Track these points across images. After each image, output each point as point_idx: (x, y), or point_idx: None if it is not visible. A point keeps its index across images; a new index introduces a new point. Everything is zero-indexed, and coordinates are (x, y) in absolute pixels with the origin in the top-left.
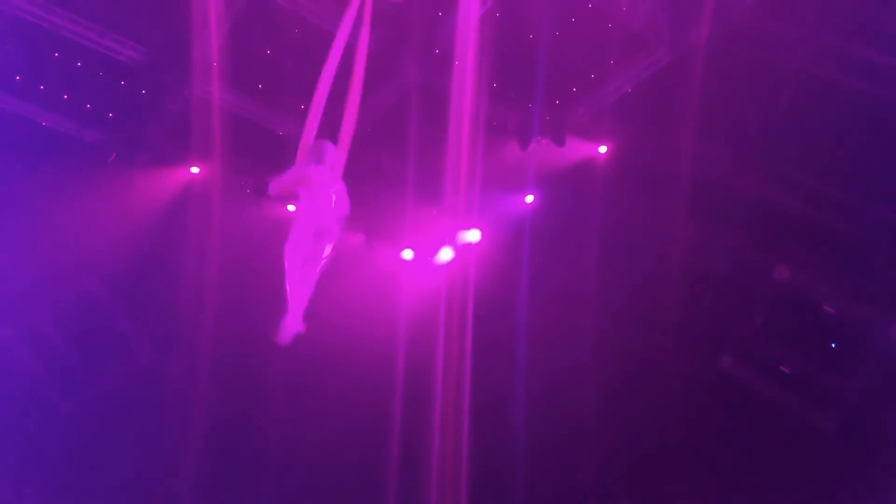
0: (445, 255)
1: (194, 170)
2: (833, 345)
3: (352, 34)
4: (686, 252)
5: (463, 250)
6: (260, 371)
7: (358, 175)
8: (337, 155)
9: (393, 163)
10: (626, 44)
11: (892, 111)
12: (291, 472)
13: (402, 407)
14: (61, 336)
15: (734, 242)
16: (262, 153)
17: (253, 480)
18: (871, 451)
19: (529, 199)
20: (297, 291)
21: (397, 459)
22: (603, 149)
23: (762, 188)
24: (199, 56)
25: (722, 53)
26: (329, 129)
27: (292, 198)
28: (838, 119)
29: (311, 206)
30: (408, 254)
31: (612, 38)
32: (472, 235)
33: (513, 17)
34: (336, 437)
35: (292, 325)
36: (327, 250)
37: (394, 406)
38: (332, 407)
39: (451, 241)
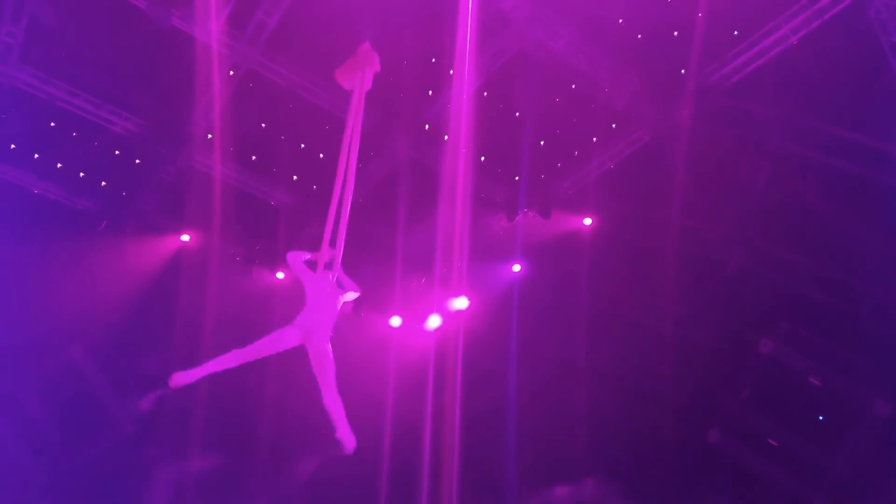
0: (434, 322)
1: (185, 238)
2: (820, 417)
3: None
4: (672, 325)
5: (451, 317)
6: (246, 441)
7: (349, 245)
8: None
9: (383, 233)
10: (608, 123)
11: (868, 188)
12: None
13: (389, 477)
14: (42, 406)
15: (720, 316)
16: (253, 222)
17: None
18: None
19: (517, 268)
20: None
21: None
22: (588, 221)
23: (746, 262)
24: (194, 128)
25: (702, 132)
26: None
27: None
28: (817, 196)
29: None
30: (396, 321)
31: (595, 118)
32: (461, 303)
33: (500, 96)
34: None
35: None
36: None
37: (381, 476)
38: (319, 477)
39: (439, 308)
